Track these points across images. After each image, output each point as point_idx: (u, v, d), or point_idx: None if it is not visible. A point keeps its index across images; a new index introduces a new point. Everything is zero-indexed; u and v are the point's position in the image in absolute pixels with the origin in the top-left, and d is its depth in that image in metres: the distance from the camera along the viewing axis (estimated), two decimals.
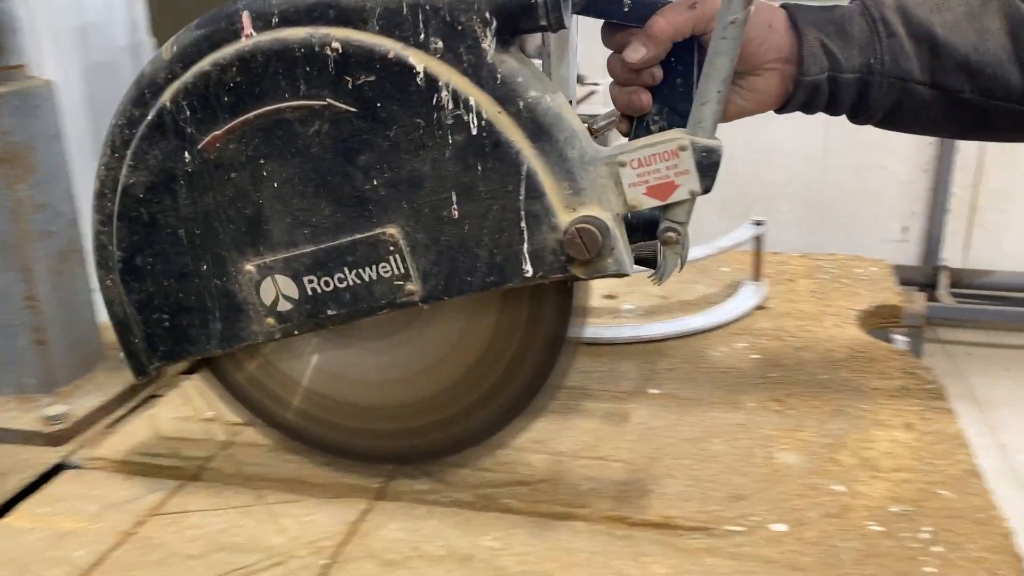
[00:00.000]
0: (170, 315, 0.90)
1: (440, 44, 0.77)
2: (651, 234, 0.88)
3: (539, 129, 0.78)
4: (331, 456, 1.01)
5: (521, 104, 0.77)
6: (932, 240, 4.32)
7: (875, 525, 0.89)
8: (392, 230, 0.82)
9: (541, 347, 0.89)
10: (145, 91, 0.83)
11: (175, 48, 0.82)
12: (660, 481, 0.97)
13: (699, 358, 1.27)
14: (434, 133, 0.78)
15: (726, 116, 0.91)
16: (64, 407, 1.15)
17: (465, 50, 0.77)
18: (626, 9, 0.85)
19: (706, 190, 0.80)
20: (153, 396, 1.27)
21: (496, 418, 0.94)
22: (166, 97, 0.82)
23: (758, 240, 1.45)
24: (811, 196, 4.46)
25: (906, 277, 4.37)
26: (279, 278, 0.86)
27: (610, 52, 0.90)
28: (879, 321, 1.41)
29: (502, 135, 0.78)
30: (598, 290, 1.51)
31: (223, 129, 0.82)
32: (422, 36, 0.77)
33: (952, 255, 4.35)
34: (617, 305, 1.46)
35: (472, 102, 0.77)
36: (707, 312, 1.38)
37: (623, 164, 0.79)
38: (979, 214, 4.30)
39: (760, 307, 1.42)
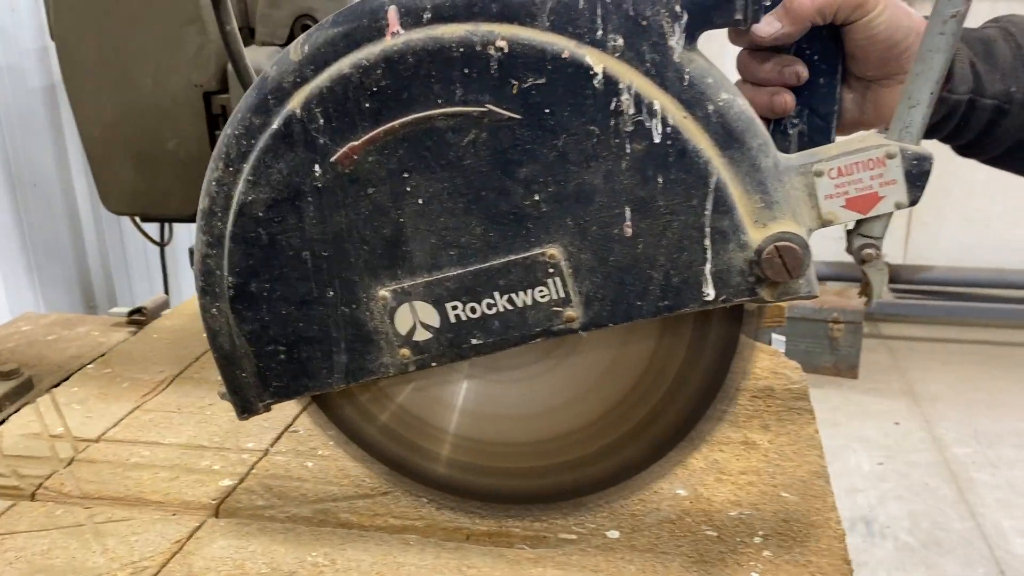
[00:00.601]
0: (287, 347, 0.81)
1: (620, 42, 0.69)
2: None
3: (730, 136, 0.70)
4: (480, 501, 0.92)
5: (711, 108, 0.70)
6: None
7: (710, 530, 0.88)
8: (553, 250, 0.74)
9: (703, 374, 0.81)
10: (269, 97, 0.73)
11: (306, 48, 0.72)
12: None
13: None
14: (610, 142, 0.71)
15: (842, 125, 0.85)
16: None
17: (649, 48, 0.69)
18: (768, 3, 0.76)
19: (913, 202, 0.73)
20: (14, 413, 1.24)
21: (653, 448, 0.85)
22: (295, 103, 0.73)
23: None
24: None
25: (847, 273, 4.43)
26: (418, 304, 0.77)
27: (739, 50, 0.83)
28: (762, 321, 1.40)
29: (689, 143, 0.70)
30: None
31: (362, 139, 0.73)
32: (600, 33, 0.69)
33: (891, 251, 4.41)
34: None
35: (656, 106, 0.69)
36: None
37: (820, 174, 0.72)
38: (916, 211, 4.36)
39: None
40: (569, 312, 0.76)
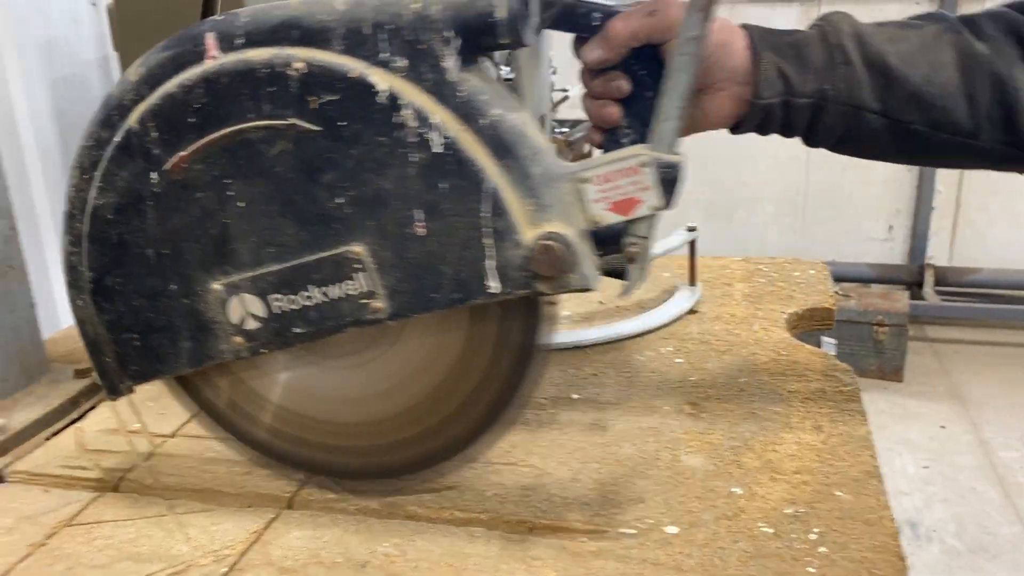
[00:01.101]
0: (140, 335, 0.90)
1: (403, 62, 0.77)
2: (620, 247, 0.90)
3: (502, 146, 0.78)
4: (305, 472, 1.01)
5: (485, 121, 0.77)
6: (918, 238, 4.35)
7: (766, 527, 0.91)
8: (358, 248, 0.82)
9: (510, 360, 0.89)
10: (112, 113, 0.83)
11: (142, 70, 0.82)
12: (565, 486, 0.99)
13: (624, 363, 1.28)
14: (397, 151, 0.79)
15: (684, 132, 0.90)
16: (0, 420, 1.18)
17: (428, 69, 0.77)
18: (595, 23, 0.87)
19: (667, 205, 0.81)
20: (93, 408, 1.30)
21: (469, 431, 0.93)
22: (133, 119, 0.82)
23: (692, 246, 1.47)
24: (795, 197, 4.48)
25: (892, 276, 4.39)
26: (246, 297, 0.86)
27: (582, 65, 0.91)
28: (810, 324, 1.42)
29: (465, 153, 0.78)
30: None
31: (189, 150, 0.82)
32: (385, 55, 0.78)
33: (937, 253, 4.37)
34: (556, 311, 1.48)
35: (436, 120, 0.77)
36: (637, 317, 1.40)
37: (586, 180, 0.80)
38: (964, 211, 4.33)
39: (692, 311, 1.43)
40: (376, 303, 0.84)
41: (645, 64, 0.89)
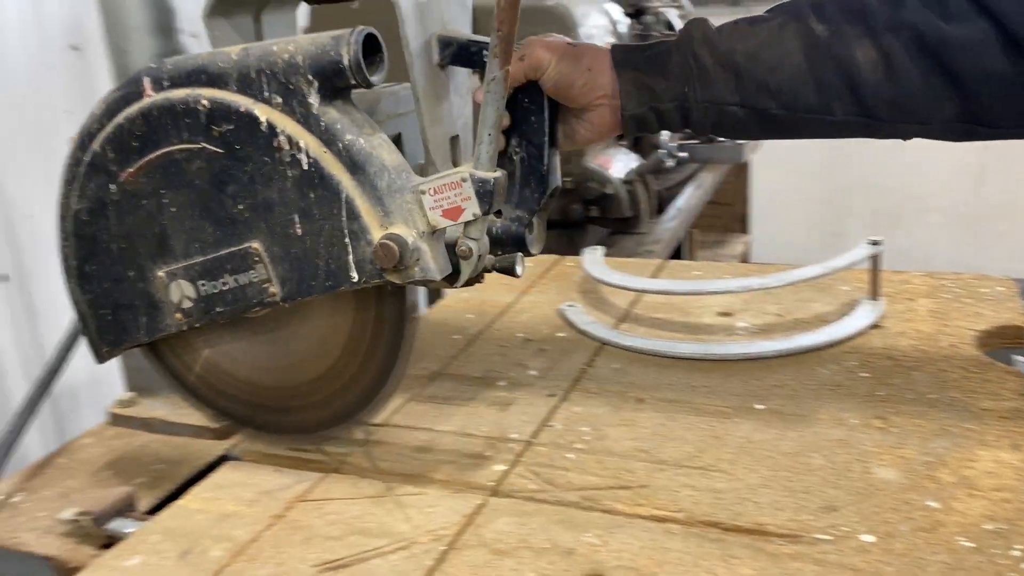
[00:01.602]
0: (111, 311, 1.09)
1: (279, 99, 0.95)
2: (518, 247, 1.10)
3: (355, 164, 0.94)
4: (231, 421, 1.21)
5: (340, 145, 0.94)
6: None
7: (966, 541, 0.91)
8: (256, 244, 1.00)
9: (388, 339, 1.06)
10: (84, 138, 1.04)
11: (103, 105, 1.03)
12: (756, 491, 1.01)
13: (808, 375, 1.29)
14: (276, 168, 0.96)
15: (576, 143, 1.11)
16: None
17: (297, 104, 0.95)
18: (485, 59, 0.99)
19: (485, 212, 0.95)
20: None
21: (359, 398, 1.10)
22: (96, 143, 1.03)
23: (875, 260, 1.46)
24: (964, 210, 4.27)
25: None
26: (182, 282, 1.05)
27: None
28: (1000, 342, 1.39)
29: (326, 170, 0.95)
30: (714, 307, 1.56)
31: (134, 167, 1.02)
32: (265, 93, 0.96)
33: None
34: (732, 323, 1.50)
35: (303, 144, 0.95)
36: (819, 330, 1.40)
37: (424, 192, 0.95)
38: None
39: (876, 326, 1.43)
40: (272, 289, 1.01)
41: (528, 95, 1.08)
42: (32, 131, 1.92)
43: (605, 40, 2.32)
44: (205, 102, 0.98)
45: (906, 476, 1.02)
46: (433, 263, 0.97)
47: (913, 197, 4.46)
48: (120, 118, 1.01)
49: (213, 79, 0.98)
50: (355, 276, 0.98)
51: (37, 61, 1.96)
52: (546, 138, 1.10)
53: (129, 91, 1.01)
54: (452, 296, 1.74)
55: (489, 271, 1.10)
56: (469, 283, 1.05)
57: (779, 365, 1.32)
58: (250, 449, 1.20)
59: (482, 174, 0.95)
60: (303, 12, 1.51)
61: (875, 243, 1.43)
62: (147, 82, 1.00)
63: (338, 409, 1.13)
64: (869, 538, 0.91)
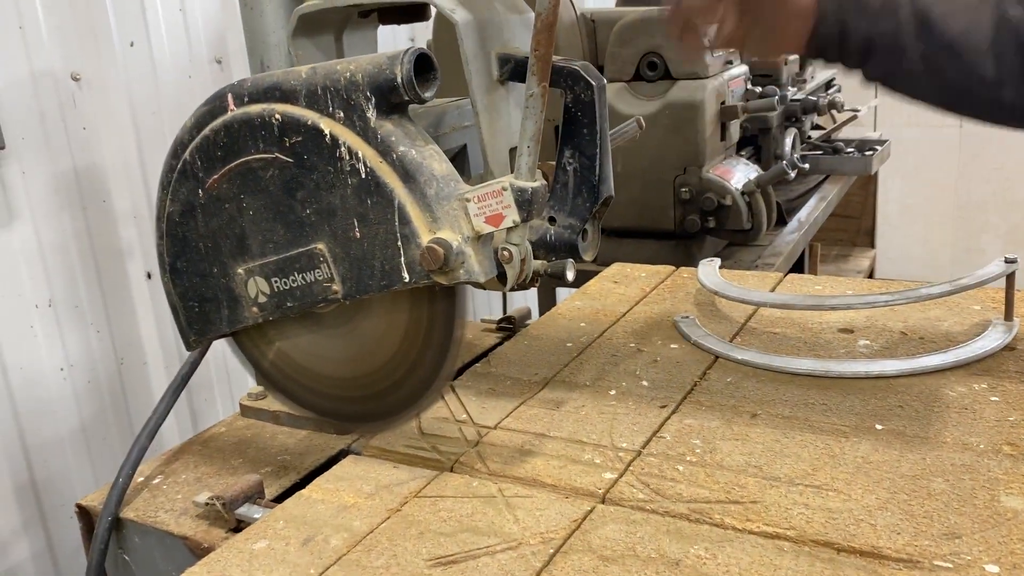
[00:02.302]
0: (198, 303, 1.20)
1: (341, 114, 1.03)
2: (570, 253, 1.16)
3: (407, 173, 1.02)
4: (294, 406, 1.28)
5: (395, 156, 1.02)
6: None
7: None
8: (321, 245, 1.08)
9: (439, 337, 1.12)
10: (178, 148, 1.14)
11: (193, 119, 1.13)
12: (872, 512, 0.99)
13: (933, 397, 1.24)
14: (338, 177, 1.05)
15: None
16: None
17: (357, 118, 1.03)
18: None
19: (524, 220, 1.00)
20: None
21: (411, 393, 1.16)
22: (187, 153, 1.13)
23: (1009, 278, 1.39)
24: None
25: None
26: (257, 279, 1.14)
27: None
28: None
29: (381, 178, 1.02)
30: (834, 324, 1.52)
31: (218, 174, 1.12)
32: (330, 108, 1.04)
33: None
34: (853, 340, 1.46)
35: (361, 155, 1.03)
36: (947, 351, 1.35)
37: (468, 200, 1.00)
38: None
39: (1009, 348, 1.36)
40: (335, 287, 1.09)
41: (580, 108, 1.13)
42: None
43: None
44: (278, 116, 1.06)
45: None
46: (478, 266, 1.03)
47: None
48: (207, 130, 1.11)
49: (286, 95, 1.07)
50: (407, 277, 1.05)
51: (185, 74, 2.11)
52: (598, 150, 1.15)
53: (215, 106, 1.11)
54: (565, 305, 1.76)
55: (541, 276, 1.15)
56: (522, 287, 1.10)
57: (902, 386, 1.28)
58: (370, 445, 1.25)
59: (522, 184, 1.00)
60: (420, 24, 1.58)
61: (1010, 261, 1.37)
62: (230, 97, 1.10)
63: (393, 402, 1.19)
64: (994, 568, 0.88)
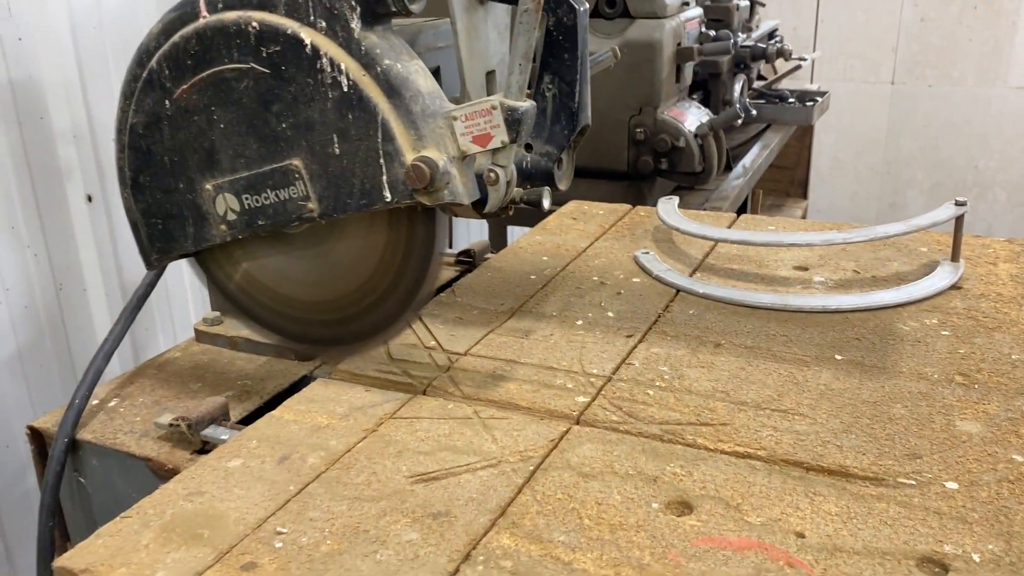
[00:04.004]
0: (162, 220, 1.16)
1: (324, 23, 0.99)
2: (546, 181, 1.14)
3: (391, 88, 0.99)
4: (260, 330, 1.26)
5: (379, 69, 0.99)
6: None
7: None
8: (296, 161, 1.05)
9: (417, 258, 1.10)
10: (143, 55, 1.10)
11: (160, 25, 1.08)
12: (838, 435, 1.03)
13: (887, 331, 1.30)
14: (319, 90, 1.01)
15: None
16: None
17: (340, 28, 0.99)
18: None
19: (513, 140, 0.98)
20: None
21: (388, 315, 1.15)
22: (154, 61, 1.09)
23: (958, 221, 1.45)
24: None
25: None
26: (227, 195, 1.11)
27: None
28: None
29: (364, 92, 0.99)
30: (790, 261, 1.56)
31: (188, 84, 1.08)
32: (311, 17, 1.00)
33: None
34: (809, 276, 1.50)
35: (343, 67, 0.99)
36: (899, 288, 1.40)
37: (456, 118, 0.98)
38: None
39: (956, 287, 1.42)
40: (310, 205, 1.06)
41: (562, 32, 1.13)
42: (120, 55, 1.96)
43: None
44: (255, 24, 1.02)
45: (989, 430, 1.03)
46: (462, 187, 1.01)
47: (978, 172, 4.36)
48: (176, 37, 1.06)
49: (263, 2, 1.02)
50: (388, 196, 1.02)
51: None
52: (578, 75, 1.15)
53: (185, 12, 1.06)
54: (525, 239, 1.76)
55: (517, 203, 1.15)
56: (496, 215, 1.09)
57: (858, 320, 1.33)
58: (339, 369, 1.24)
59: (512, 103, 0.98)
60: None
61: (961, 203, 1.42)
62: (202, 4, 1.05)
63: (362, 328, 1.18)
64: (953, 485, 0.93)
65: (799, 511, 0.89)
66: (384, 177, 1.02)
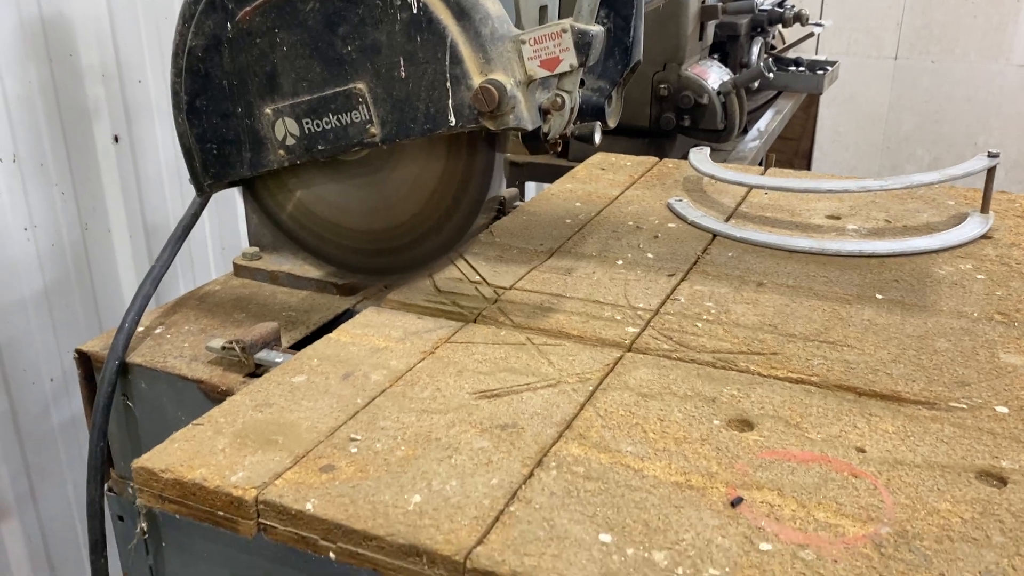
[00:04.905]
0: (217, 145, 1.16)
1: None
2: (597, 117, 1.14)
3: (461, 11, 0.99)
4: (310, 260, 1.27)
5: None
6: None
7: None
8: (361, 85, 1.05)
9: (475, 189, 1.11)
10: None
11: None
12: (887, 364, 1.05)
13: (924, 274, 1.32)
14: (387, 11, 1.01)
15: None
16: None
17: None
18: None
19: (581, 64, 0.99)
20: None
21: (443, 244, 1.17)
22: None
23: (991, 172, 1.48)
24: None
25: None
26: (287, 120, 1.11)
27: None
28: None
29: (434, 14, 1.00)
30: (822, 211, 1.58)
31: (251, 6, 1.07)
32: None
33: None
34: (842, 225, 1.53)
35: None
36: (932, 235, 1.43)
37: (524, 42, 0.98)
38: None
39: (986, 236, 1.45)
40: (372, 130, 1.07)
41: None
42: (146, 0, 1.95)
43: None
44: None
45: None
46: (527, 113, 1.01)
47: (977, 149, 4.40)
48: None
49: None
50: (453, 120, 1.02)
51: None
52: (634, 9, 1.16)
53: None
54: (556, 187, 1.77)
55: (568, 138, 1.15)
56: (545, 150, 1.10)
57: (894, 264, 1.36)
58: (388, 299, 1.26)
59: (583, 26, 0.98)
60: None
61: (993, 155, 1.45)
62: None
63: (416, 257, 1.20)
64: (1003, 409, 0.96)
65: (857, 429, 0.92)
66: (450, 101, 1.02)
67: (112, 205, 1.99)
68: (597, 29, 0.99)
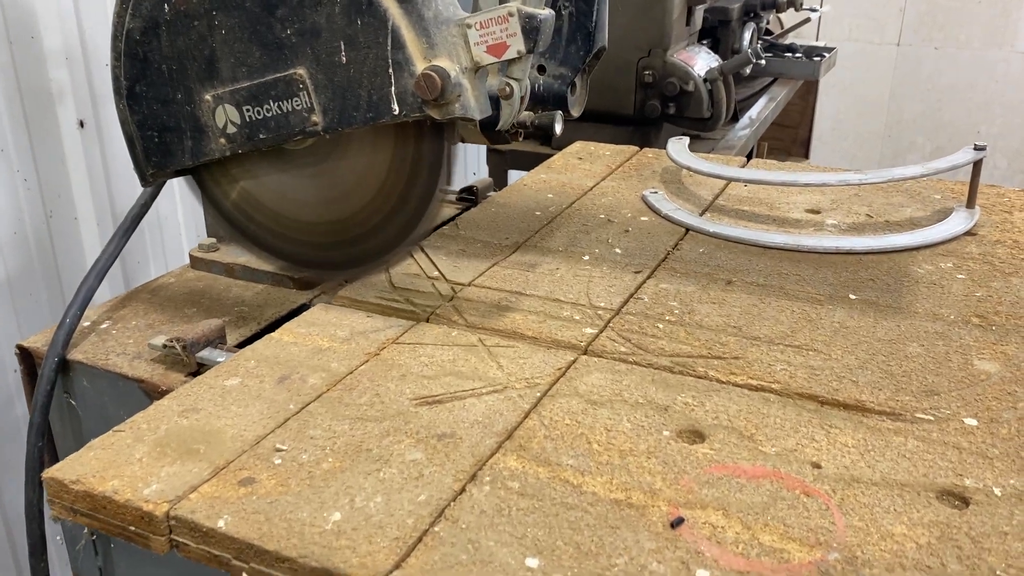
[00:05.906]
0: (158, 133, 1.11)
1: None
2: (559, 106, 1.08)
3: None
4: (258, 253, 1.21)
5: None
6: None
7: None
8: (301, 70, 1.00)
9: (425, 178, 1.06)
10: None
11: None
12: (853, 371, 1.00)
13: (902, 273, 1.27)
14: None
15: None
16: None
17: None
18: None
19: (529, 50, 0.94)
20: None
21: (394, 237, 1.10)
22: None
23: (977, 165, 1.41)
24: None
25: None
26: (227, 107, 1.06)
27: None
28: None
29: None
30: (801, 204, 1.53)
31: None
32: None
33: None
34: (821, 219, 1.47)
35: None
36: (914, 232, 1.37)
37: (469, 26, 0.94)
38: None
39: (970, 233, 1.39)
40: (314, 118, 1.02)
41: None
42: None
43: None
44: None
45: (1008, 370, 1.00)
46: (474, 101, 0.96)
47: (979, 137, 4.32)
48: None
49: None
50: (396, 108, 0.97)
51: None
52: None
53: None
54: (530, 177, 1.71)
55: (527, 128, 1.10)
56: (504, 140, 1.04)
57: (872, 262, 1.30)
58: (339, 295, 1.21)
59: (530, 9, 0.93)
60: None
61: (980, 148, 1.39)
62: None
63: (366, 249, 1.14)
64: (972, 421, 0.91)
65: (815, 442, 0.87)
66: (392, 88, 0.97)
67: (78, 192, 1.93)
68: (547, 13, 0.93)
